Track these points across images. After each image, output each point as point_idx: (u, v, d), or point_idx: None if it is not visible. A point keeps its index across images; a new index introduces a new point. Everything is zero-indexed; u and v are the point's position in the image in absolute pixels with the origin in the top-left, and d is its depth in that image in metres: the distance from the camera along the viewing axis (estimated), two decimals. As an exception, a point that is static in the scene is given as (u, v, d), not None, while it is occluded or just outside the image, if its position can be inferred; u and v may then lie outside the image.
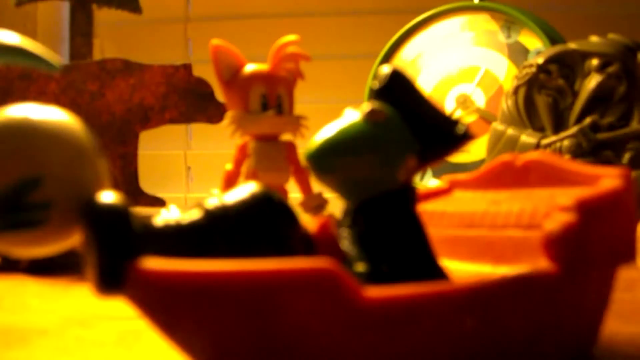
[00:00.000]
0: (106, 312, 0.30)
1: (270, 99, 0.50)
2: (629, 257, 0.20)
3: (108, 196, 0.18)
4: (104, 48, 0.94)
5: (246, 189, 0.20)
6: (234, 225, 0.19)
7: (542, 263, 0.18)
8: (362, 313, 0.16)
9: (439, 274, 0.21)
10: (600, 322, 0.21)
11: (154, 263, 0.16)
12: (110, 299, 0.17)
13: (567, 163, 0.24)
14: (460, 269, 0.24)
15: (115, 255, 0.17)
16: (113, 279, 0.17)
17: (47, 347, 0.24)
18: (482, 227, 0.25)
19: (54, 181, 0.18)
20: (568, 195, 0.19)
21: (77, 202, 0.18)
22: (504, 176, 0.26)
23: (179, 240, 0.18)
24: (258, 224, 0.19)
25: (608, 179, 0.21)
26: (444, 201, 0.28)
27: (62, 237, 0.19)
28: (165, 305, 0.17)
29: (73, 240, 0.19)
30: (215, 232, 0.19)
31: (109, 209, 0.17)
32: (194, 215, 0.19)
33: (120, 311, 0.30)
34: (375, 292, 0.16)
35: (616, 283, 0.21)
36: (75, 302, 0.33)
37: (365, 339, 0.16)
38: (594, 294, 0.20)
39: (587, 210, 0.19)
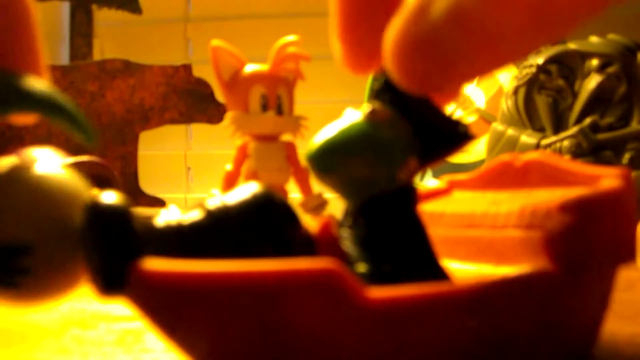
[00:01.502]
0: (106, 312, 0.30)
1: (270, 99, 0.50)
2: (629, 257, 0.20)
3: (109, 196, 0.18)
4: (104, 48, 0.94)
5: (247, 189, 0.19)
6: (235, 225, 0.19)
7: (543, 263, 0.18)
8: (365, 313, 0.16)
9: (440, 274, 0.21)
10: (600, 322, 0.21)
11: (155, 264, 0.16)
12: (110, 301, 0.17)
13: (567, 163, 0.24)
14: (461, 270, 0.24)
15: (117, 256, 0.17)
16: (114, 280, 0.17)
17: (47, 347, 0.24)
18: (483, 227, 0.25)
19: (40, 252, 0.18)
20: (568, 195, 0.19)
21: (58, 270, 0.18)
22: (504, 176, 0.26)
23: (180, 240, 0.18)
24: (259, 225, 0.19)
25: (608, 179, 0.21)
26: (444, 201, 0.28)
27: (37, 301, 0.19)
28: (167, 307, 0.16)
29: (50, 302, 0.19)
30: (217, 232, 0.19)
31: (110, 210, 0.17)
32: (195, 215, 0.19)
33: (120, 311, 0.30)
34: (378, 292, 0.16)
35: (616, 283, 0.21)
36: (75, 302, 0.33)
37: (368, 340, 0.16)
38: (594, 293, 0.20)
39: (587, 210, 0.19)
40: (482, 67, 0.16)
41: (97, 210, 0.17)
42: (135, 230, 0.17)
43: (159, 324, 0.17)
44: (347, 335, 0.16)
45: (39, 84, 0.18)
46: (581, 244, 0.18)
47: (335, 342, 0.16)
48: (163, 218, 0.19)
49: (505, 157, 0.26)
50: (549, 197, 0.23)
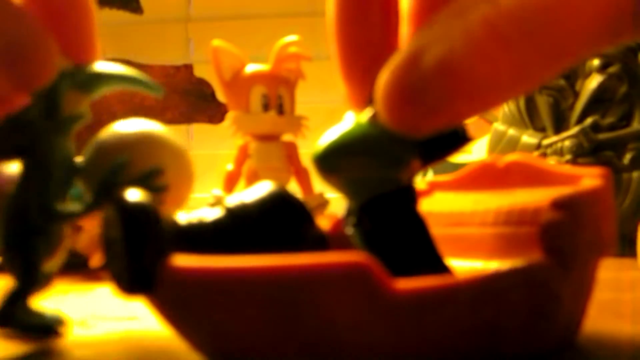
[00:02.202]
0: (106, 312, 0.30)
1: (271, 99, 0.50)
2: (609, 250, 0.22)
3: (136, 194, 0.18)
4: (104, 48, 0.94)
5: (263, 188, 0.20)
6: (254, 223, 0.19)
7: (534, 257, 0.19)
8: (393, 304, 0.17)
9: (443, 269, 0.22)
10: (583, 313, 0.22)
11: (188, 261, 0.17)
12: (136, 299, 0.17)
13: (547, 164, 0.25)
14: (453, 266, 0.25)
15: (148, 255, 0.17)
16: (145, 279, 0.17)
17: (47, 346, 0.24)
18: (472, 225, 0.26)
19: (167, 173, 0.25)
20: (554, 194, 0.20)
21: (184, 189, 0.26)
22: (485, 178, 0.27)
23: (202, 238, 0.19)
24: (276, 222, 0.19)
25: (589, 178, 0.22)
26: (428, 202, 0.28)
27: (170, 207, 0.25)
28: (200, 302, 0.17)
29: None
30: (237, 229, 0.19)
31: (140, 208, 0.17)
32: (216, 213, 0.19)
33: (120, 311, 0.30)
34: (405, 283, 0.17)
35: (618, 283, 0.22)
36: (76, 302, 0.33)
37: (395, 329, 0.17)
38: (580, 285, 0.21)
39: (576, 206, 0.20)
40: (464, 113, 0.18)
41: (126, 209, 0.17)
42: (163, 228, 0.17)
43: (188, 321, 0.17)
44: (376, 325, 0.17)
45: (108, 66, 0.25)
46: (571, 238, 0.19)
47: (365, 331, 0.17)
48: (185, 216, 0.19)
49: (486, 158, 0.27)
50: (534, 196, 0.24)
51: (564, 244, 0.19)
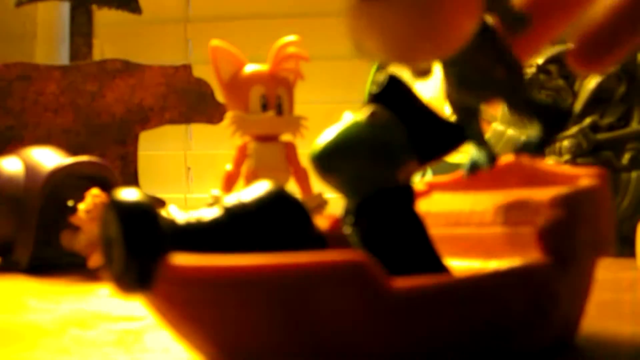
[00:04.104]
0: (106, 312, 0.30)
1: (270, 99, 0.50)
2: (608, 249, 0.22)
3: (133, 194, 0.18)
4: (103, 48, 0.94)
5: (261, 187, 0.20)
6: (252, 221, 0.19)
7: (533, 256, 0.19)
8: (391, 302, 0.17)
9: (441, 267, 0.22)
10: (582, 312, 0.22)
11: (187, 259, 0.17)
12: (134, 298, 0.17)
13: (546, 164, 0.25)
14: (451, 266, 0.25)
15: (146, 253, 0.17)
16: (143, 277, 0.17)
17: (47, 347, 0.24)
18: (470, 225, 0.26)
19: None
20: (551, 194, 0.20)
21: None
22: (484, 178, 0.27)
23: (200, 237, 0.19)
24: (274, 221, 0.19)
25: (587, 178, 0.22)
26: (427, 202, 0.28)
27: None
28: (198, 301, 0.17)
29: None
30: (235, 228, 0.19)
31: (137, 207, 0.17)
32: (214, 212, 0.19)
33: (120, 311, 0.30)
34: (402, 282, 0.17)
35: (618, 283, 0.22)
36: (75, 302, 0.33)
37: (393, 327, 0.17)
38: (578, 284, 0.21)
39: (574, 205, 0.20)
40: None
41: (123, 208, 0.17)
42: (161, 228, 0.17)
43: (186, 320, 0.17)
44: (374, 323, 0.17)
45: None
46: (569, 238, 0.20)
47: (362, 329, 0.17)
48: (183, 215, 0.19)
49: None
50: (532, 196, 0.24)
51: (562, 244, 0.19)
